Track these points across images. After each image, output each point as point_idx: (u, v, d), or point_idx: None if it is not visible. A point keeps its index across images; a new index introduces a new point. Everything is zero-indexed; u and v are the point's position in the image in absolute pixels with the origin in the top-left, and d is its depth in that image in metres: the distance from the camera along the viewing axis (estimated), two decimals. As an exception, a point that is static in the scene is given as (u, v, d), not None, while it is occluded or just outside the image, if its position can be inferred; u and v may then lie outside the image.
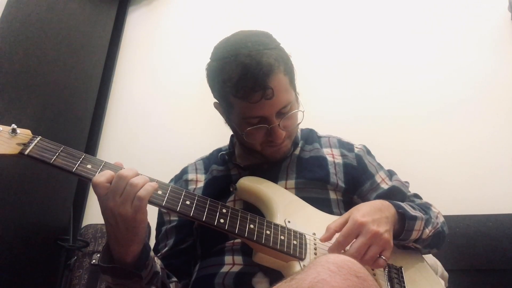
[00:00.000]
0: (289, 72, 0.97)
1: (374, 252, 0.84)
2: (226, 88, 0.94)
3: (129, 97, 2.30)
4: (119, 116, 2.26)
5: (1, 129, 0.80)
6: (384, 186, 1.10)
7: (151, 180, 0.81)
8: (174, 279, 1.00)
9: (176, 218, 1.08)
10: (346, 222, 0.87)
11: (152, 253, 0.86)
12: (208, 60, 1.01)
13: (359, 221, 0.85)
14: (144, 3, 2.54)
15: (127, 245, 0.79)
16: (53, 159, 0.79)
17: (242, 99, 0.92)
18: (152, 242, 1.11)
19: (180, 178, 1.15)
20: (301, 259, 0.86)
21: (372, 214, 0.87)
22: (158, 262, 0.91)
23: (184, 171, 1.17)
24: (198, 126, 2.05)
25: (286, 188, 1.03)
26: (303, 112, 1.01)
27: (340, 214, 1.02)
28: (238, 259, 0.94)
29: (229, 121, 1.06)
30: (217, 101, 1.05)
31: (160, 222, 1.12)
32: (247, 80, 0.90)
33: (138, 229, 0.79)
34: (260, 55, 0.91)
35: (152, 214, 1.13)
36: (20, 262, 1.60)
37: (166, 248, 1.06)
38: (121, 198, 0.76)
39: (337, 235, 0.87)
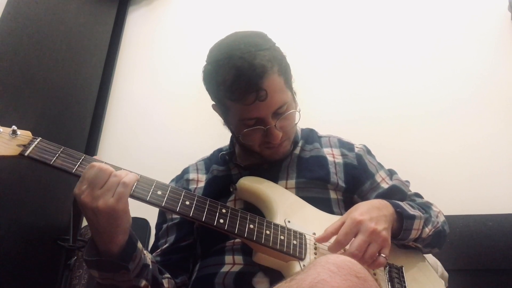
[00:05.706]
0: (284, 72, 0.97)
1: (373, 250, 0.84)
2: (220, 91, 0.95)
3: (129, 97, 2.30)
4: (119, 116, 2.26)
5: (1, 130, 0.80)
6: (384, 185, 1.10)
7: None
8: (167, 275, 0.98)
9: (178, 216, 1.08)
10: (343, 224, 0.87)
11: (140, 245, 0.85)
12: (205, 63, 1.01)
13: (357, 219, 0.85)
14: (144, 3, 2.54)
15: (111, 236, 0.78)
16: (53, 160, 0.79)
17: (236, 102, 0.93)
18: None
19: (181, 178, 1.16)
20: (301, 259, 0.86)
21: (370, 212, 0.88)
22: (148, 256, 0.90)
23: (185, 171, 1.18)
24: (198, 126, 2.05)
25: (286, 187, 1.03)
26: (299, 112, 1.00)
27: (341, 214, 1.02)
28: (239, 258, 0.94)
29: (227, 123, 1.06)
30: (214, 103, 1.05)
31: (162, 221, 1.12)
32: (240, 82, 0.90)
33: (120, 220, 0.77)
34: (253, 56, 0.91)
35: (153, 214, 1.14)
36: (20, 262, 1.60)
37: (167, 245, 1.06)
38: (101, 190, 0.75)
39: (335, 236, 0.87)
